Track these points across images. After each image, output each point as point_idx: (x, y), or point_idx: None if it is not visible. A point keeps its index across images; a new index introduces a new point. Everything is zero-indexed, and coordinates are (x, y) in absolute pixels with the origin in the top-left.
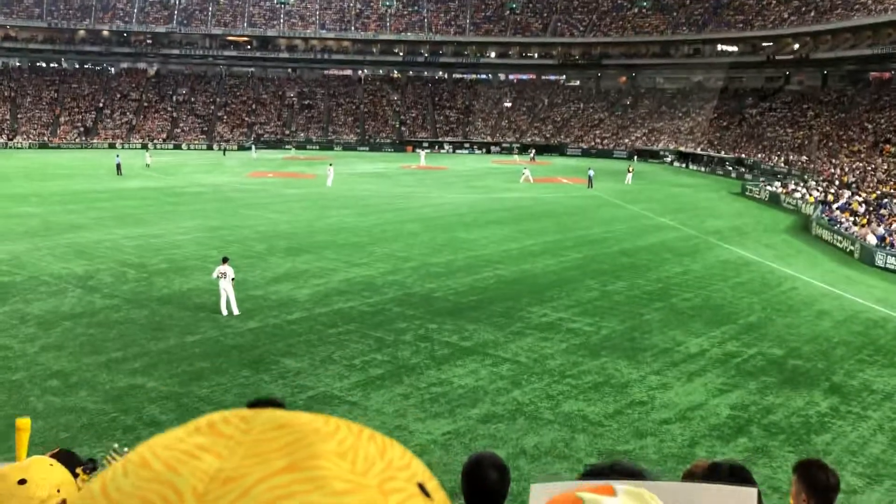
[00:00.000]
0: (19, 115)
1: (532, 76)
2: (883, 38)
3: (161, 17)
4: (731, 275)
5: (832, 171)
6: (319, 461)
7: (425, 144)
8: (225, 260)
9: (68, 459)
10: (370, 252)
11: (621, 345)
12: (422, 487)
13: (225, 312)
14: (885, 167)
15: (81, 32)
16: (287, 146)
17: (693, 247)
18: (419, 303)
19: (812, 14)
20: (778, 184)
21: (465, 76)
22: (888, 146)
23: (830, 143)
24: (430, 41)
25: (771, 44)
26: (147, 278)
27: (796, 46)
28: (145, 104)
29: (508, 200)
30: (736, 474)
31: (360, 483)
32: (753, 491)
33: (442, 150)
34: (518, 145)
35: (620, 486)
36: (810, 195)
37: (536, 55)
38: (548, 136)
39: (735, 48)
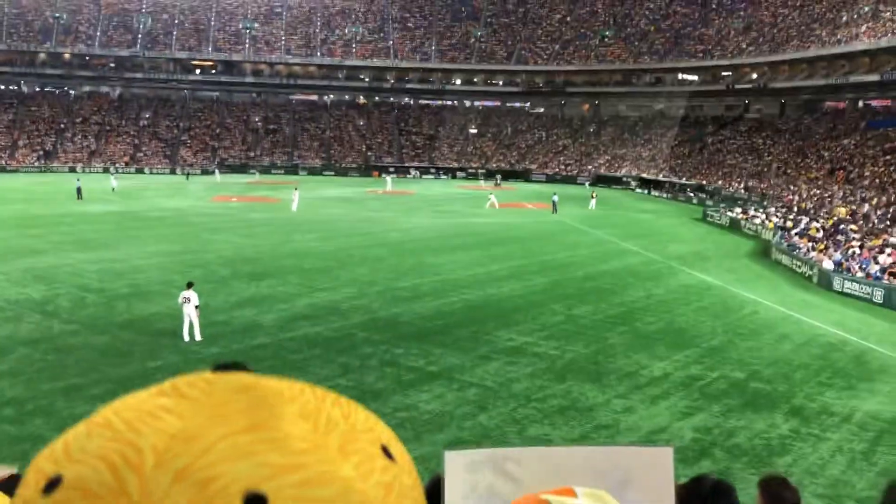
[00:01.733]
0: None
1: (497, 103)
2: (837, 69)
3: (124, 41)
4: (694, 299)
5: (791, 197)
6: (281, 422)
7: (392, 169)
8: (189, 285)
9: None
10: (336, 276)
11: (586, 368)
12: (385, 450)
13: (187, 338)
14: (841, 194)
15: (42, 55)
16: (251, 171)
17: (656, 271)
18: (385, 327)
19: (769, 45)
20: (738, 209)
21: (431, 102)
22: (841, 172)
23: (788, 170)
24: (396, 67)
25: (730, 73)
26: (107, 303)
27: (755, 76)
28: (107, 128)
29: (474, 225)
30: (718, 489)
31: (320, 444)
32: (669, 449)
33: (408, 176)
34: (483, 171)
35: (580, 489)
36: (769, 221)
37: (501, 82)
38: (513, 161)
39: (695, 77)
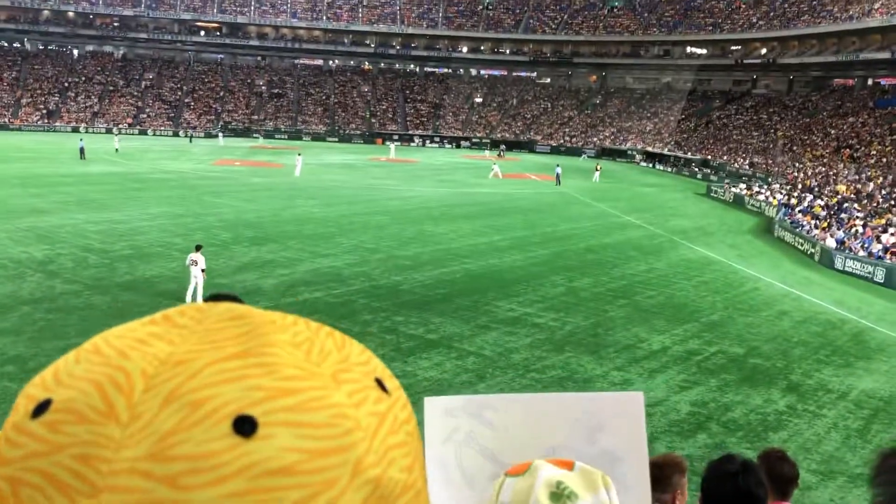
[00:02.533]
0: None
1: (503, 72)
2: (847, 46)
3: (129, 0)
4: (695, 274)
5: (795, 174)
6: (273, 349)
7: (395, 137)
8: (198, 248)
9: None
10: (337, 243)
11: (585, 340)
12: (379, 382)
13: (189, 300)
14: (846, 172)
15: (46, 13)
16: (255, 135)
17: (658, 245)
18: (385, 295)
19: (780, 20)
20: (742, 185)
21: (436, 70)
22: (847, 150)
23: (794, 148)
24: (402, 33)
25: (739, 48)
26: (109, 264)
27: (764, 51)
28: (111, 88)
29: (477, 195)
30: (747, 467)
31: (313, 371)
32: (640, 394)
33: (412, 144)
34: (488, 141)
35: (579, 463)
36: (773, 198)
37: (508, 51)
38: (517, 132)
39: (704, 51)
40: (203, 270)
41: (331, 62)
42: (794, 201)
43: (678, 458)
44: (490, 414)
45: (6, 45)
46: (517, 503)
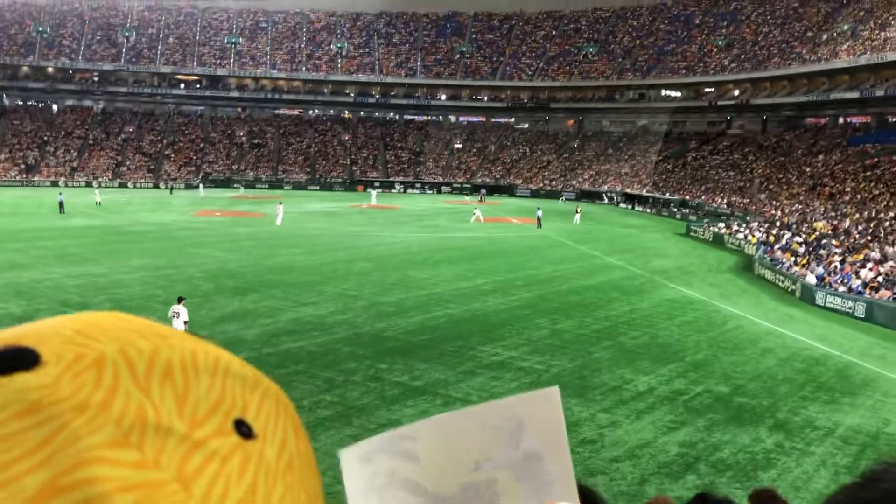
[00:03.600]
0: None
1: (482, 118)
2: (818, 86)
3: (108, 55)
4: (678, 313)
5: (773, 212)
6: (91, 468)
7: (377, 184)
8: (180, 300)
9: None
10: (320, 291)
11: (571, 383)
12: (240, 425)
13: None
14: (823, 209)
15: (25, 69)
16: (236, 185)
17: (640, 286)
18: (369, 342)
19: (751, 62)
20: (721, 224)
21: (416, 117)
22: (824, 188)
23: (770, 186)
24: (381, 83)
25: (713, 90)
26: None
27: (737, 92)
28: (90, 142)
29: (459, 240)
30: None
31: (151, 480)
32: (555, 389)
33: (393, 190)
34: (469, 186)
35: None
36: (752, 236)
37: (486, 98)
38: (497, 176)
39: (678, 93)
40: (185, 322)
41: (311, 112)
42: (772, 239)
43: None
44: (408, 444)
45: None
46: None
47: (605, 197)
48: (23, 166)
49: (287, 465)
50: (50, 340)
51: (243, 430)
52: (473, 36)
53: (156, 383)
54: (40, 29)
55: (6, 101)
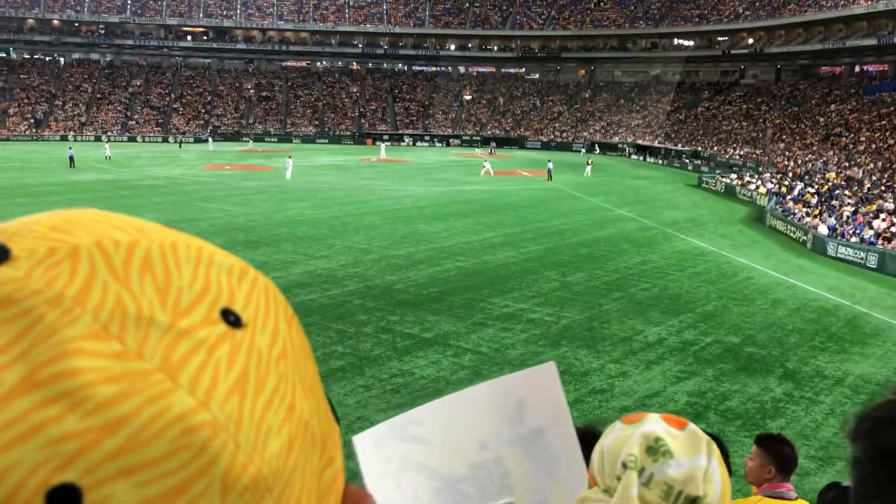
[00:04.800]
0: None
1: (492, 69)
2: (834, 34)
3: (114, 7)
4: (688, 265)
5: (785, 163)
6: (70, 360)
7: (385, 137)
8: None
9: None
10: (330, 245)
11: (581, 334)
12: (227, 314)
13: None
14: (836, 160)
15: (31, 21)
16: (244, 139)
17: (651, 238)
18: (380, 295)
19: (766, 9)
20: (733, 176)
21: (424, 68)
22: (841, 139)
23: (784, 136)
24: (390, 33)
25: (726, 38)
26: None
27: (751, 41)
28: (98, 96)
29: (469, 193)
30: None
31: (136, 372)
32: (551, 364)
33: (402, 143)
34: (479, 138)
35: (693, 426)
36: (764, 187)
37: (496, 48)
38: (508, 128)
39: (691, 42)
40: None
41: (318, 64)
42: (784, 189)
43: None
44: (416, 429)
45: None
46: (614, 449)
47: (584, 148)
48: (32, 121)
49: (280, 354)
50: (21, 236)
51: (231, 319)
52: None
53: (135, 274)
54: None
55: (13, 55)
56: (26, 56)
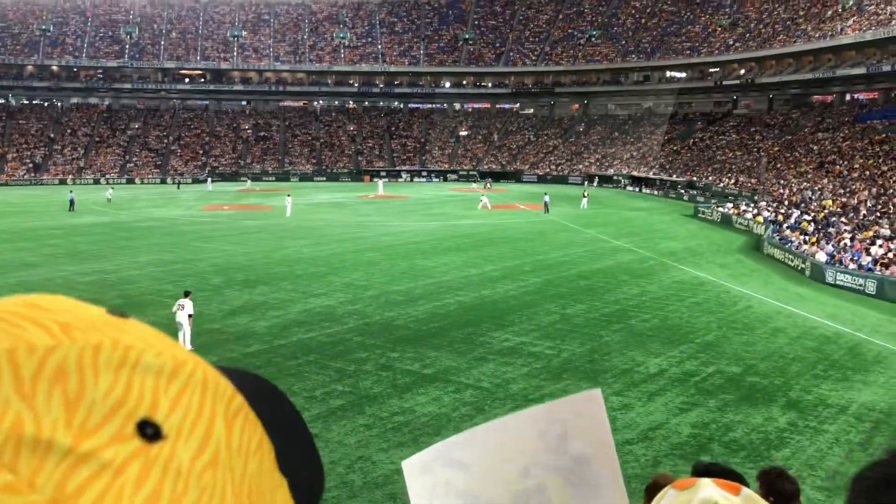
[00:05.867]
0: None
1: (487, 105)
2: (823, 63)
3: (112, 52)
4: (688, 295)
5: (780, 191)
6: None
7: (383, 173)
8: (186, 294)
9: None
10: (329, 282)
11: (582, 367)
12: (144, 426)
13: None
14: (831, 187)
15: (30, 68)
16: (242, 178)
17: (649, 268)
18: (379, 331)
19: (756, 41)
20: (729, 205)
21: (420, 106)
22: (837, 168)
23: (778, 165)
24: (385, 72)
25: (718, 69)
26: None
27: (742, 72)
28: (97, 139)
29: (467, 227)
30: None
31: None
32: (597, 391)
33: (400, 179)
34: (475, 173)
35: (748, 490)
36: (760, 215)
37: (490, 84)
38: (504, 162)
39: (683, 74)
40: (190, 316)
41: (315, 103)
42: (780, 218)
43: (670, 477)
44: (460, 454)
45: None
46: None
47: (585, 181)
48: (30, 165)
49: (209, 462)
50: None
51: (148, 432)
52: (476, 22)
53: (43, 387)
54: (44, 27)
55: (12, 101)
56: (25, 101)
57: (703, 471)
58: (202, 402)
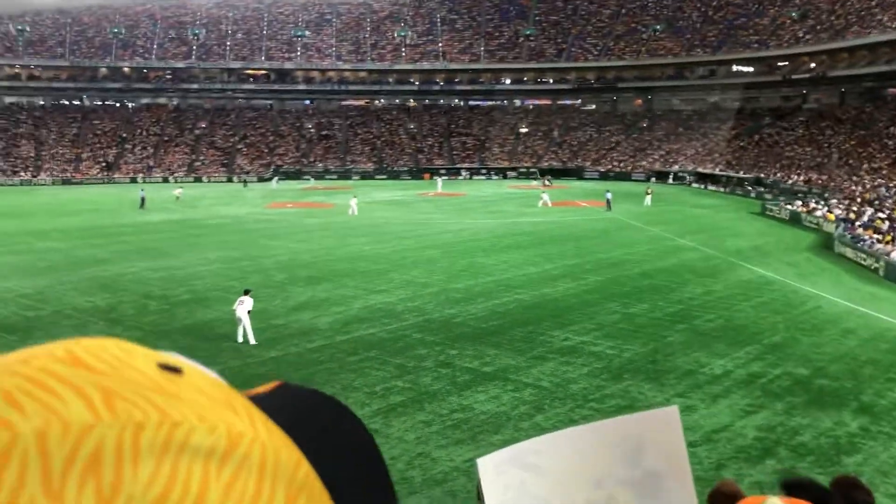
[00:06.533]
0: (42, 153)
1: (547, 101)
2: None
3: (180, 53)
4: (754, 294)
5: (853, 188)
6: None
7: (442, 171)
8: (247, 292)
9: None
10: (390, 279)
11: (644, 367)
12: (163, 366)
13: (240, 339)
14: None
15: (103, 70)
16: (306, 177)
17: (714, 267)
18: (439, 329)
19: (828, 32)
20: (798, 202)
21: (480, 103)
22: None
23: (850, 161)
24: (446, 69)
25: (787, 63)
26: (169, 309)
27: (813, 65)
28: (165, 138)
29: (527, 225)
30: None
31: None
32: (674, 408)
33: (459, 177)
34: (535, 170)
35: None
36: (831, 213)
37: (551, 80)
38: (565, 160)
39: (751, 68)
40: (249, 312)
41: (376, 101)
42: (852, 215)
43: (732, 484)
44: (535, 458)
45: (67, 103)
46: None
47: (653, 177)
48: (103, 164)
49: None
50: None
51: (168, 367)
52: (537, 18)
53: (73, 482)
54: (115, 30)
55: (87, 102)
56: (98, 102)
57: (791, 485)
58: (259, 486)
